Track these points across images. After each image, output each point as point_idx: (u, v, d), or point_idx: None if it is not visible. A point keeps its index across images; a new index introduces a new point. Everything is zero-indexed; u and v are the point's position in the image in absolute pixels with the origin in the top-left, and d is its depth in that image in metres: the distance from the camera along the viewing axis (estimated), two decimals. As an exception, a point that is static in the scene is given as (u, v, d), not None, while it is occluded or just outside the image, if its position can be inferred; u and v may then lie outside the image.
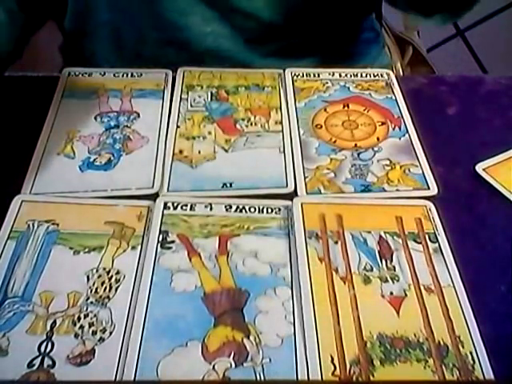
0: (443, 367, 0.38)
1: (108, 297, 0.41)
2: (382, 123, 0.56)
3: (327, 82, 0.61)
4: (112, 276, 0.42)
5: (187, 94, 0.59)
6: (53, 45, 0.77)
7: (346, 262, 0.44)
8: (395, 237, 0.46)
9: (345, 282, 0.42)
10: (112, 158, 0.52)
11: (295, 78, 0.61)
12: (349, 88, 0.60)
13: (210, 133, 0.54)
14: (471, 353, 0.39)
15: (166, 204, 0.47)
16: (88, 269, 0.43)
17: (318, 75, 0.62)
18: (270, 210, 0.47)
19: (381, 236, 0.46)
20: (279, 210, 0.47)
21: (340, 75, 0.62)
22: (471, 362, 0.38)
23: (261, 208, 0.47)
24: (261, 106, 0.58)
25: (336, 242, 0.45)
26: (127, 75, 0.61)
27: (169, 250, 0.44)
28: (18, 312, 0.40)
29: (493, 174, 0.51)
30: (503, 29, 1.55)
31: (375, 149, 0.53)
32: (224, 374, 0.37)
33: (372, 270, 0.43)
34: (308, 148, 0.53)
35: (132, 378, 0.37)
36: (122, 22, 0.66)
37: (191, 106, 0.58)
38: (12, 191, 0.48)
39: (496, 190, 0.50)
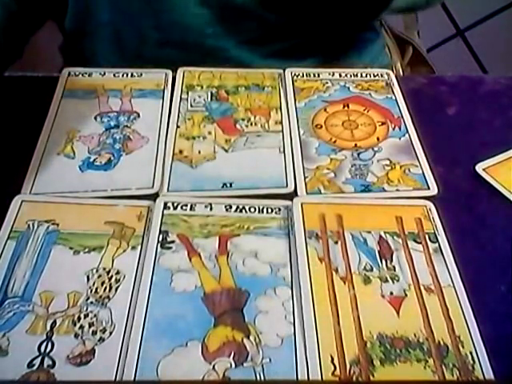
0: (443, 367, 0.38)
1: (108, 297, 0.41)
2: (382, 123, 0.56)
3: (327, 82, 0.61)
4: (112, 276, 0.42)
5: (187, 94, 0.59)
6: (53, 45, 0.77)
7: (345, 262, 0.44)
8: (395, 237, 0.46)
9: (345, 282, 0.42)
10: (112, 158, 0.52)
11: (295, 77, 0.61)
12: (349, 88, 0.60)
13: (209, 133, 0.54)
14: (471, 353, 0.39)
15: (165, 204, 0.47)
16: (88, 269, 0.43)
17: (318, 75, 0.62)
18: (269, 210, 0.47)
19: (381, 236, 0.46)
20: (279, 209, 0.47)
21: (340, 75, 0.62)
22: (471, 361, 0.38)
23: (261, 208, 0.47)
24: (261, 106, 0.58)
25: (336, 242, 0.45)
26: (127, 75, 0.61)
27: (169, 250, 0.44)
28: (18, 312, 0.40)
29: (493, 174, 0.51)
30: (503, 29, 1.55)
31: (375, 149, 0.53)
32: (224, 374, 0.37)
33: (372, 270, 0.43)
34: (308, 148, 0.53)
35: (132, 378, 0.37)
36: (123, 22, 0.66)
37: (191, 106, 0.58)
38: (12, 191, 0.48)
39: (496, 189, 0.50)
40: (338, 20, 0.65)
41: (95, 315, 0.40)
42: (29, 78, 0.61)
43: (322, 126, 0.56)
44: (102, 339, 0.39)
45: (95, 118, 0.56)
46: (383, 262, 0.44)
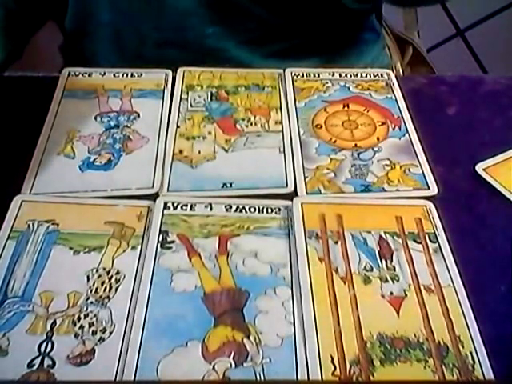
0: (443, 367, 0.38)
1: (108, 297, 0.41)
2: (382, 123, 0.56)
3: (327, 82, 0.61)
4: (112, 276, 0.42)
5: (187, 94, 0.59)
6: (53, 45, 0.77)
7: (346, 262, 0.44)
8: (395, 237, 0.46)
9: (345, 282, 0.42)
10: (112, 158, 0.52)
11: (295, 77, 0.61)
12: (349, 88, 0.60)
13: (209, 133, 0.54)
14: (471, 353, 0.39)
15: (166, 204, 0.47)
16: (88, 269, 0.43)
17: (318, 75, 0.62)
18: (269, 210, 0.47)
19: (381, 236, 0.46)
20: (279, 209, 0.47)
21: (340, 75, 0.62)
22: (471, 361, 0.38)
23: (261, 208, 0.47)
24: (261, 106, 0.58)
25: (336, 242, 0.45)
26: (127, 75, 0.61)
27: (169, 250, 0.44)
28: (18, 312, 0.40)
29: (493, 174, 0.51)
30: (503, 29, 1.55)
31: (375, 149, 0.53)
32: (224, 374, 0.37)
33: (372, 269, 0.43)
34: (308, 148, 0.53)
35: (132, 378, 0.37)
36: (123, 22, 0.66)
37: (191, 106, 0.58)
38: (12, 191, 0.48)
39: (496, 189, 0.50)
40: (332, 15, 0.65)
41: (95, 315, 0.40)
42: (29, 77, 0.61)
43: (321, 126, 0.56)
44: (101, 339, 0.39)
45: (95, 118, 0.56)
46: (383, 261, 0.44)
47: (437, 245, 0.45)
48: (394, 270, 0.44)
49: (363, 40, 0.74)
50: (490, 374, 0.38)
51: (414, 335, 0.39)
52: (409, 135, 0.55)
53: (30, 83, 0.60)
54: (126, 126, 0.55)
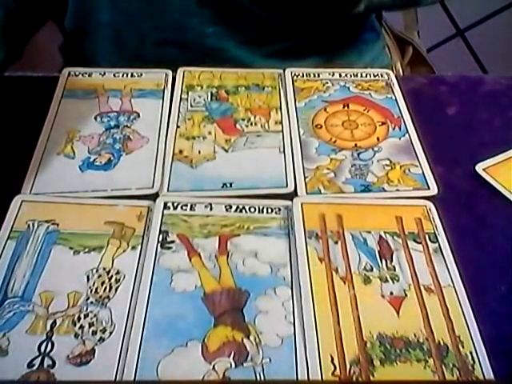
0: (443, 367, 0.38)
1: (108, 297, 0.41)
2: (382, 123, 0.56)
3: (327, 82, 0.61)
4: (112, 276, 0.42)
5: (187, 94, 0.59)
6: (53, 45, 0.77)
7: (345, 262, 0.44)
8: (395, 237, 0.46)
9: (345, 282, 0.42)
10: (112, 158, 0.52)
11: (295, 78, 0.61)
12: (349, 88, 0.60)
13: (209, 133, 0.54)
14: (471, 353, 0.39)
15: (166, 204, 0.47)
16: (88, 269, 0.43)
17: (318, 75, 0.62)
18: (270, 210, 0.47)
19: (381, 236, 0.46)
20: (279, 210, 0.47)
21: (340, 75, 0.62)
22: (471, 361, 0.38)
23: (261, 208, 0.47)
24: (261, 106, 0.58)
25: (336, 242, 0.45)
26: (127, 75, 0.61)
27: (169, 250, 0.44)
28: (18, 312, 0.40)
29: (493, 174, 0.51)
30: (503, 29, 1.55)
31: (375, 149, 0.53)
32: (224, 374, 0.37)
33: (372, 270, 0.43)
34: (308, 148, 0.53)
35: (132, 378, 0.37)
36: (123, 22, 0.66)
37: (191, 106, 0.58)
38: (12, 191, 0.48)
39: (496, 189, 0.50)
40: (332, 16, 0.65)
41: (95, 315, 0.40)
42: (29, 77, 0.61)
43: (321, 126, 0.56)
44: (101, 339, 0.39)
45: (95, 118, 0.56)
46: (383, 261, 0.44)
47: (437, 245, 0.45)
48: (394, 269, 0.44)
49: (363, 40, 0.74)
50: (490, 374, 0.38)
51: (414, 335, 0.39)
52: (409, 135, 0.55)
53: (30, 83, 0.60)
54: (126, 125, 0.55)
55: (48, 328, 0.39)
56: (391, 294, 0.42)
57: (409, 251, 0.45)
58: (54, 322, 0.40)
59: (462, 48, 1.61)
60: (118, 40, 0.67)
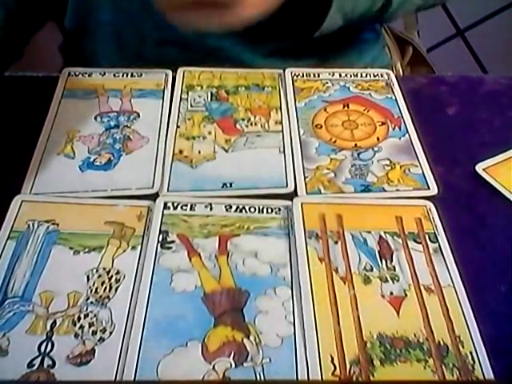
0: (443, 367, 0.38)
1: (108, 297, 0.41)
2: (382, 123, 0.56)
3: (327, 82, 0.61)
4: (112, 276, 0.42)
5: (187, 93, 0.59)
6: (53, 45, 0.77)
7: (345, 262, 0.44)
8: (395, 237, 0.46)
9: (345, 282, 0.42)
10: (112, 158, 0.52)
11: (295, 77, 0.61)
12: (349, 88, 0.60)
13: (209, 133, 0.54)
14: (471, 353, 0.39)
15: (166, 204, 0.47)
16: (88, 269, 0.43)
17: (318, 75, 0.62)
18: (270, 210, 0.47)
19: (381, 236, 0.46)
20: (279, 210, 0.47)
21: (340, 75, 0.62)
22: (471, 361, 0.38)
23: (261, 208, 0.47)
24: (261, 106, 0.58)
25: (336, 242, 0.45)
26: (127, 75, 0.61)
27: (169, 250, 0.44)
28: (18, 312, 0.40)
29: (493, 174, 0.51)
30: (503, 29, 1.55)
31: (375, 149, 0.53)
32: (224, 374, 0.37)
33: (372, 270, 0.43)
34: (308, 148, 0.53)
35: (132, 378, 0.37)
36: (123, 21, 0.66)
37: (191, 105, 0.58)
38: (12, 191, 0.48)
39: (496, 189, 0.50)
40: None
41: (95, 315, 0.40)
42: (29, 77, 0.61)
43: (322, 126, 0.56)
44: (101, 339, 0.39)
45: (95, 118, 0.56)
46: (383, 261, 0.44)
47: (437, 245, 0.45)
48: (394, 269, 0.44)
49: (363, 40, 0.74)
50: (490, 374, 0.38)
51: (414, 335, 0.39)
52: (409, 135, 0.55)
53: (30, 83, 0.60)
54: (126, 126, 0.55)
55: (48, 328, 0.39)
56: (391, 294, 0.42)
57: (409, 251, 0.45)
58: (54, 322, 0.40)
59: (462, 48, 1.61)
60: (118, 40, 0.67)
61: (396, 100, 0.59)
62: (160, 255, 0.44)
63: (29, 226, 0.45)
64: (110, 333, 0.39)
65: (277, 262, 0.44)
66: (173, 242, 0.45)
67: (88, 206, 0.47)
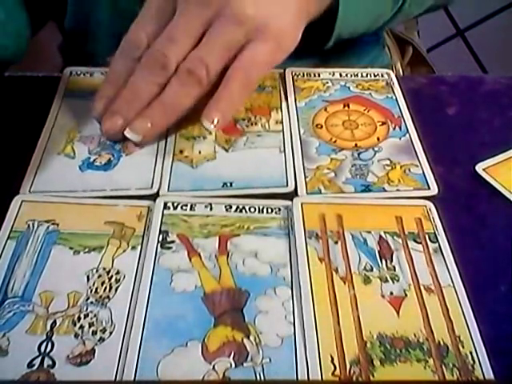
0: (443, 367, 0.38)
1: (108, 297, 0.41)
2: (383, 123, 0.56)
3: (327, 82, 0.61)
4: (112, 276, 0.42)
5: (187, 93, 0.59)
6: (53, 45, 0.77)
7: (345, 262, 0.44)
8: (395, 237, 0.46)
9: (345, 282, 0.42)
10: (112, 159, 0.52)
11: (295, 77, 0.61)
12: (349, 88, 0.60)
13: (210, 133, 0.54)
14: (471, 353, 0.39)
15: (166, 204, 0.47)
16: (88, 269, 0.43)
17: (319, 75, 0.62)
18: (270, 210, 0.47)
19: (381, 236, 0.46)
20: (279, 209, 0.47)
21: (340, 75, 0.62)
22: (471, 361, 0.38)
23: (261, 208, 0.47)
24: (261, 105, 0.58)
25: (336, 242, 0.45)
26: (127, 75, 0.61)
27: (169, 250, 0.44)
28: (18, 312, 0.40)
29: (493, 174, 0.51)
30: (503, 29, 1.55)
31: (375, 149, 0.53)
32: (224, 374, 0.37)
33: (372, 270, 0.43)
34: (308, 148, 0.53)
35: (132, 378, 0.37)
36: (123, 21, 0.66)
37: (191, 105, 0.57)
38: (12, 191, 0.48)
39: (496, 189, 0.50)
40: None
41: (95, 315, 0.40)
42: (29, 77, 0.61)
43: (322, 126, 0.56)
44: (102, 339, 0.39)
45: (96, 119, 0.56)
46: (383, 261, 0.44)
47: (437, 245, 0.45)
48: (394, 269, 0.44)
49: (363, 40, 0.74)
50: (490, 374, 0.38)
51: (414, 335, 0.39)
52: (409, 135, 0.55)
53: (31, 83, 0.60)
54: (126, 125, 0.55)
55: (48, 328, 0.39)
56: (391, 294, 0.42)
57: (409, 251, 0.45)
58: (54, 322, 0.40)
59: (462, 48, 1.61)
60: (118, 39, 0.67)
61: (396, 100, 0.59)
62: (160, 255, 0.44)
63: (29, 226, 0.45)
64: (110, 333, 0.39)
65: (277, 261, 0.44)
66: (173, 242, 0.45)
67: (88, 206, 0.47)
